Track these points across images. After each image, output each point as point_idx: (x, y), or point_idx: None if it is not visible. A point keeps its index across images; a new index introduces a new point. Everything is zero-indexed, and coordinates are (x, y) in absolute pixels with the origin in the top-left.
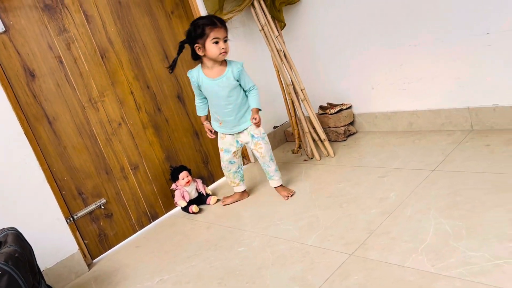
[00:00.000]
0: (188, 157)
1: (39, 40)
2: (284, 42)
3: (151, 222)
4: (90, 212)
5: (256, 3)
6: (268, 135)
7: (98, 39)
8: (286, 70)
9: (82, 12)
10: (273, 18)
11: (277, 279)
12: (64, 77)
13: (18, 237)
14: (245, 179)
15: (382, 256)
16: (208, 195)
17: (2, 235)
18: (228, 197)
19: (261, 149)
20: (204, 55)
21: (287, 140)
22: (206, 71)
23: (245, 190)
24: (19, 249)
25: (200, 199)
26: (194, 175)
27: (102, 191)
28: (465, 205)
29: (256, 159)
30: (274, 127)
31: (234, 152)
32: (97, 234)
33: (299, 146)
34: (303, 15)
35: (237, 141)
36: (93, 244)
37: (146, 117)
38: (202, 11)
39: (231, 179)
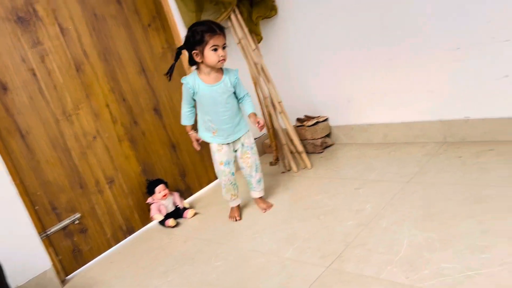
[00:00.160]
0: (165, 170)
1: (12, 53)
2: (261, 55)
3: (127, 237)
4: (64, 227)
5: (233, 17)
6: None
7: (73, 51)
8: (263, 83)
9: (57, 25)
10: (250, 31)
11: None
12: (37, 90)
13: None
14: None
15: (358, 268)
16: (185, 208)
17: None
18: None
19: (248, 159)
20: (202, 62)
21: (265, 152)
22: (203, 77)
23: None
24: None
25: (177, 213)
26: (171, 188)
27: (76, 206)
28: (438, 216)
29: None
30: None
31: (234, 162)
32: (71, 250)
33: (277, 158)
34: (280, 29)
35: (235, 151)
36: (67, 260)
37: (122, 130)
38: (179, 24)
39: (232, 192)
